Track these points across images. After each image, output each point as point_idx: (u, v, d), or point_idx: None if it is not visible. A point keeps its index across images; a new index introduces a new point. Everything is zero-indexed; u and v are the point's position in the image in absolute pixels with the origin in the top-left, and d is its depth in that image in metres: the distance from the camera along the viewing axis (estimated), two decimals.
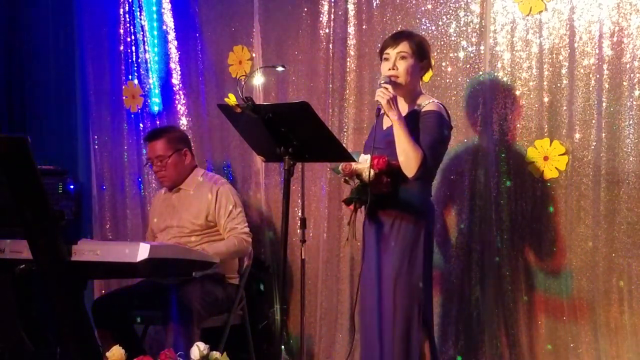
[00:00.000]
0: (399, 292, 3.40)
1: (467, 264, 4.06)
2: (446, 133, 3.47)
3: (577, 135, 3.83)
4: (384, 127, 3.51)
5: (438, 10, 4.14)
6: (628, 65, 3.71)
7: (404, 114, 3.44)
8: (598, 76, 3.76)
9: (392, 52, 3.46)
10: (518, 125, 3.95)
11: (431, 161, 3.37)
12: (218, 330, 4.23)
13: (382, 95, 3.34)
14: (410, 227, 3.42)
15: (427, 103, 3.45)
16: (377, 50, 3.65)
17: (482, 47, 4.03)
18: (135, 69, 5.22)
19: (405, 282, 3.40)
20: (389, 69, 3.45)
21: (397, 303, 3.40)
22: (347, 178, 3.44)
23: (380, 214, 3.46)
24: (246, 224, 4.32)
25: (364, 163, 3.38)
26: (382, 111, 3.37)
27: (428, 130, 3.38)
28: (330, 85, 4.47)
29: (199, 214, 4.31)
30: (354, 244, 4.37)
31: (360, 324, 3.60)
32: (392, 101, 3.34)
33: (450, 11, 4.11)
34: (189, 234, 4.31)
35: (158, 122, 5.14)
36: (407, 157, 3.32)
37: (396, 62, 3.45)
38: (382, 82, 3.39)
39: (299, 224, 3.80)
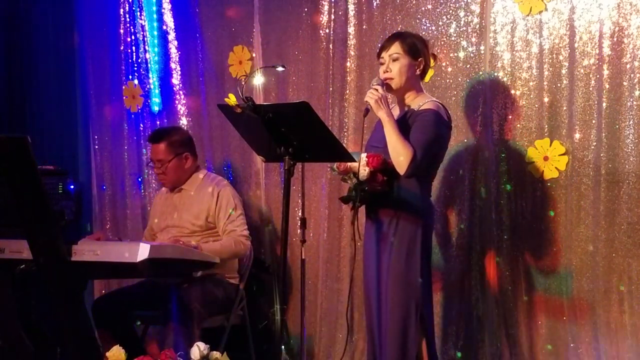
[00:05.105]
0: (396, 289, 3.42)
1: (467, 264, 4.06)
2: (443, 132, 3.47)
3: (577, 135, 3.83)
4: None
5: (438, 10, 4.14)
6: (628, 65, 3.71)
7: (402, 114, 3.46)
8: (598, 76, 3.77)
9: (385, 55, 3.50)
10: (518, 125, 3.95)
11: (422, 159, 3.35)
12: (218, 330, 4.23)
13: (370, 95, 3.39)
14: (408, 226, 3.43)
15: (425, 102, 3.46)
16: (377, 52, 3.66)
17: (482, 47, 4.03)
18: (135, 69, 5.22)
19: (402, 280, 3.42)
20: (384, 72, 3.49)
21: (394, 300, 3.42)
22: (344, 176, 3.47)
23: (380, 212, 3.48)
24: (245, 227, 4.30)
25: (360, 161, 3.40)
26: (369, 111, 3.40)
27: (421, 128, 3.38)
28: (330, 86, 4.47)
29: (200, 215, 4.31)
30: (355, 243, 4.39)
31: (366, 322, 3.63)
32: (381, 100, 3.37)
33: (450, 11, 4.11)
34: (189, 234, 4.30)
35: (158, 122, 5.13)
36: (397, 155, 3.34)
37: (389, 64, 3.48)
38: (374, 83, 3.45)
39: (299, 224, 3.79)
